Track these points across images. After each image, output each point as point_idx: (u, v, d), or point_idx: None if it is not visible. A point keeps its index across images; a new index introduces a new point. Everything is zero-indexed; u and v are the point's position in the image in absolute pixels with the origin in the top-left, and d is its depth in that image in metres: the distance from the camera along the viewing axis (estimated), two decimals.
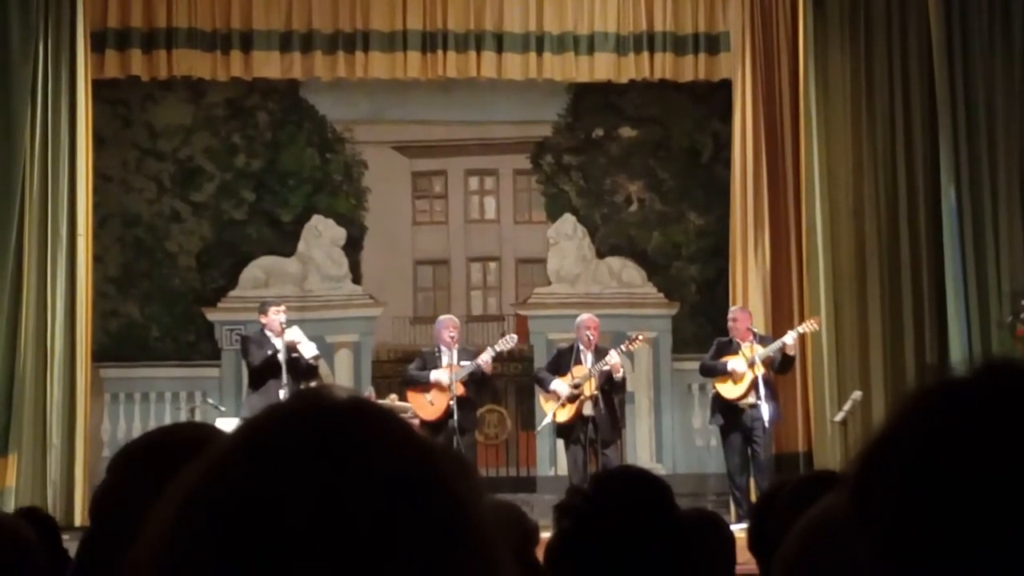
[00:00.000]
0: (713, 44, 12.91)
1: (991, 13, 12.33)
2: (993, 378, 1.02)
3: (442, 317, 11.62)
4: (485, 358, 11.09)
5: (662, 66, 12.82)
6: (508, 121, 13.55)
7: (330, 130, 13.46)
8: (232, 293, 13.18)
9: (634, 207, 13.65)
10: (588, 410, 11.02)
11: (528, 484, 13.05)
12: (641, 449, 13.21)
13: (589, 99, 13.49)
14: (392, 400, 11.05)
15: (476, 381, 11.22)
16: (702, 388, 12.72)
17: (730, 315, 11.58)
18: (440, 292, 13.60)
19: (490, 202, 13.83)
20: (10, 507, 9.79)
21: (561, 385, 11.14)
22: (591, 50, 12.75)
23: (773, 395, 11.20)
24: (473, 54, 12.65)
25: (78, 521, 11.30)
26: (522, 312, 13.57)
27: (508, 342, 11.49)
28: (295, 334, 10.82)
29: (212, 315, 13.16)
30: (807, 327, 11.61)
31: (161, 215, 13.16)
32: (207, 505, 0.92)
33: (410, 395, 11.22)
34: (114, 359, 12.87)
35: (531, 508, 8.37)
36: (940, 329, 12.26)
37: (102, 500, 1.80)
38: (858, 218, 12.47)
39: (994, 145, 12.24)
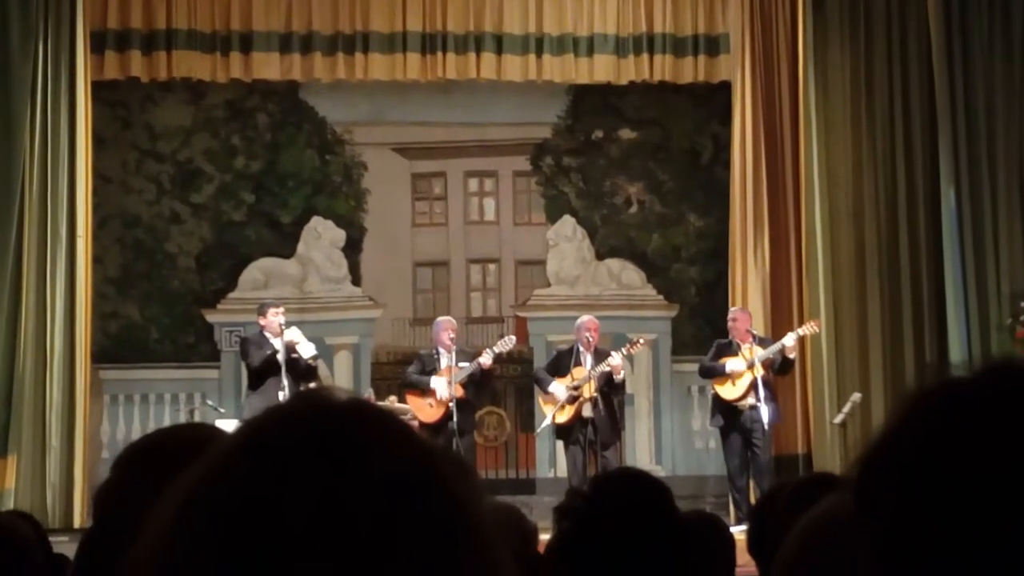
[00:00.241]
0: (713, 46, 12.91)
1: (991, 14, 12.33)
2: (993, 379, 1.02)
3: (440, 319, 11.62)
4: (485, 360, 11.09)
5: (662, 68, 12.83)
6: (508, 123, 13.56)
7: (330, 132, 13.46)
8: (231, 295, 13.18)
9: (634, 209, 13.65)
10: (588, 412, 11.02)
11: (527, 486, 13.05)
12: (640, 451, 13.21)
13: (589, 101, 13.50)
14: (391, 402, 11.06)
15: (475, 382, 11.22)
16: (701, 390, 12.72)
17: (730, 316, 11.59)
18: (440, 294, 13.60)
19: (490, 204, 13.84)
20: (9, 509, 9.78)
21: (559, 388, 11.14)
22: (591, 52, 12.75)
23: (773, 396, 11.20)
24: (473, 56, 12.65)
25: (77, 522, 11.31)
26: (521, 314, 13.58)
27: (507, 344, 11.49)
28: (294, 335, 10.83)
29: (211, 317, 13.17)
30: (807, 329, 11.62)
31: (161, 216, 13.16)
32: (207, 505, 0.92)
33: (409, 397, 11.22)
34: (113, 360, 12.87)
35: (530, 510, 8.36)
36: (940, 331, 12.26)
37: (104, 499, 1.80)
38: (858, 220, 12.47)
39: (994, 147, 12.24)
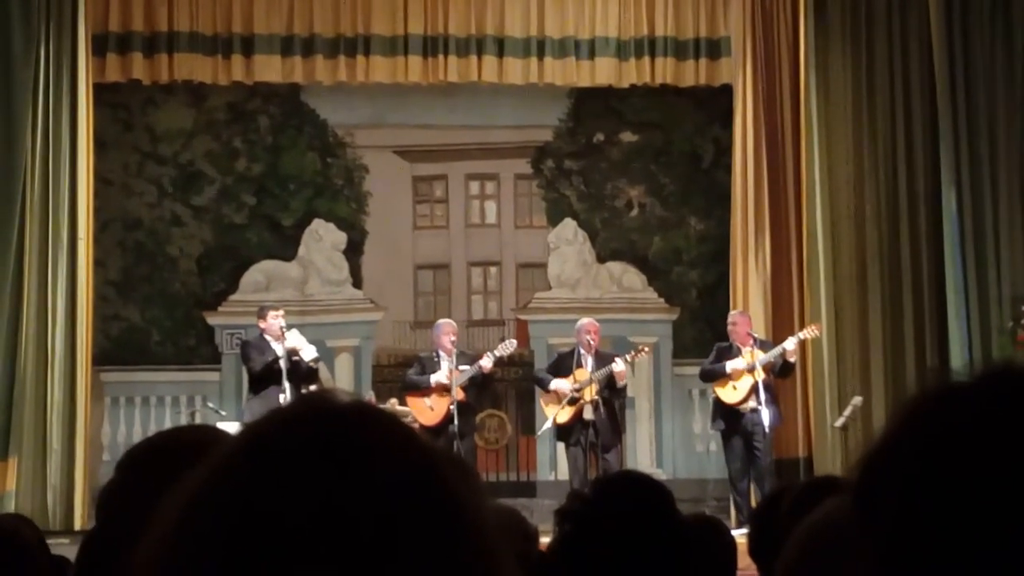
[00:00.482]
0: (714, 49, 12.92)
1: (992, 17, 12.33)
2: (994, 382, 1.02)
3: (441, 321, 11.62)
4: (485, 363, 11.09)
5: (663, 71, 12.83)
6: (509, 125, 13.56)
7: (331, 134, 13.46)
8: (233, 297, 13.18)
9: (635, 212, 13.65)
10: (588, 414, 11.01)
11: (528, 489, 13.04)
12: (641, 454, 13.21)
13: (590, 104, 13.49)
14: (392, 405, 11.05)
15: (476, 384, 11.22)
16: (702, 393, 12.72)
17: (729, 319, 11.58)
18: (441, 296, 13.60)
19: (491, 206, 13.84)
20: (9, 511, 9.78)
21: (562, 383, 11.14)
22: (592, 55, 12.76)
23: (774, 399, 11.20)
24: (474, 58, 12.66)
25: (78, 525, 11.31)
26: (522, 317, 13.57)
27: (508, 347, 11.49)
28: (295, 338, 10.82)
29: (213, 319, 13.16)
30: (808, 333, 11.61)
31: (162, 219, 13.16)
32: (210, 508, 0.92)
33: (410, 400, 11.21)
34: (114, 363, 12.86)
35: (531, 513, 8.36)
36: (941, 334, 12.26)
37: (107, 501, 1.80)
38: (859, 223, 12.47)
39: (995, 150, 12.24)
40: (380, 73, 12.61)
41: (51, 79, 11.79)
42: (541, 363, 12.64)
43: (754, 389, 11.01)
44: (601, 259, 13.61)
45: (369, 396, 11.38)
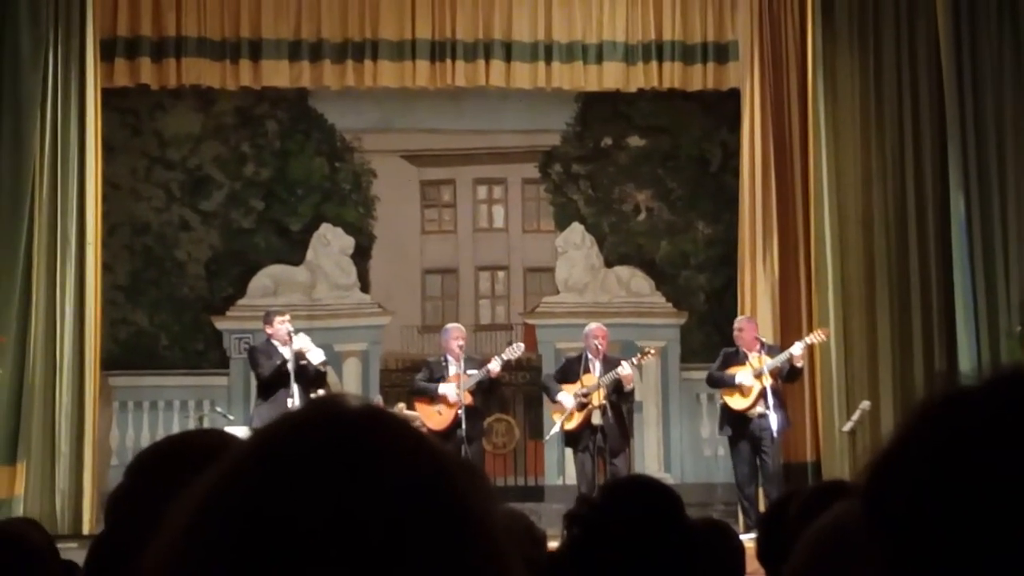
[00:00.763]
0: (722, 53, 12.92)
1: (1000, 21, 12.32)
2: (1002, 386, 1.02)
3: (449, 325, 11.62)
4: (493, 367, 11.09)
5: (671, 75, 12.84)
6: (517, 130, 13.56)
7: (339, 139, 13.47)
8: (241, 302, 13.19)
9: (642, 216, 13.64)
10: (597, 419, 11.01)
11: (536, 493, 13.04)
12: (649, 459, 13.20)
13: (598, 108, 13.50)
14: (400, 409, 11.05)
15: (484, 389, 11.21)
16: (710, 398, 12.70)
17: (736, 325, 11.57)
18: (448, 301, 13.60)
19: (498, 211, 13.84)
20: (18, 516, 9.79)
21: (567, 397, 11.13)
22: (600, 59, 12.76)
23: (781, 404, 11.19)
24: (482, 63, 12.67)
25: (86, 529, 11.32)
26: (530, 321, 13.57)
27: (515, 351, 11.49)
28: (303, 342, 10.82)
29: (221, 324, 13.18)
30: (815, 338, 11.59)
31: (170, 224, 13.18)
32: (220, 512, 0.92)
33: (418, 404, 11.21)
34: (123, 367, 12.87)
35: (539, 517, 8.36)
36: (949, 339, 12.24)
37: (116, 505, 1.80)
38: (867, 227, 12.45)
39: (1003, 154, 12.22)
40: (388, 78, 12.62)
41: (59, 84, 11.80)
42: (549, 368, 12.64)
43: (762, 394, 11.00)
44: (609, 263, 13.61)
45: (377, 400, 11.38)
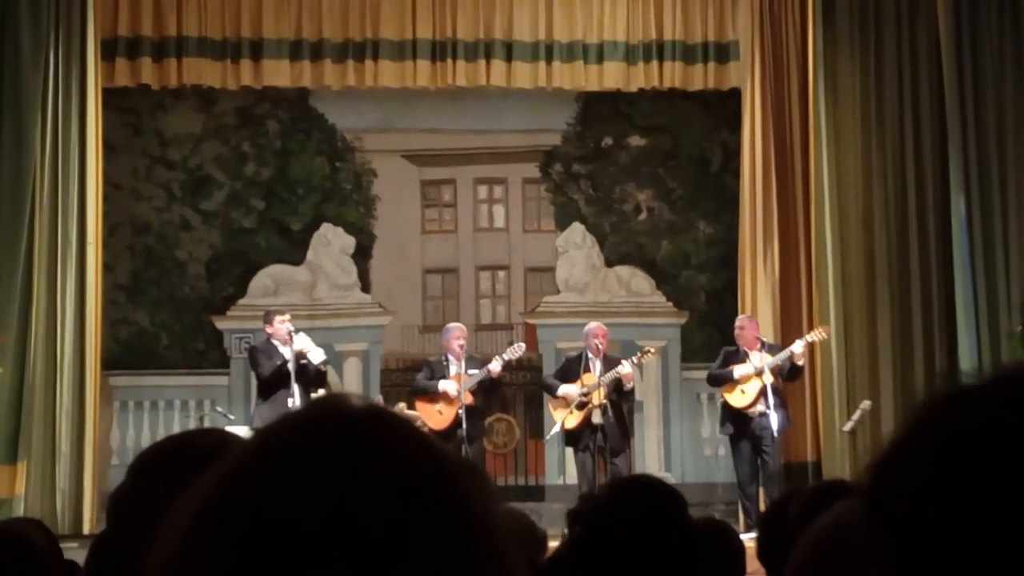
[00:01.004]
0: (723, 53, 12.92)
1: (1001, 23, 12.32)
2: (1003, 386, 1.02)
3: (450, 325, 11.62)
4: (494, 367, 11.09)
5: (671, 75, 12.84)
6: (517, 130, 13.56)
7: (339, 139, 13.48)
8: (241, 301, 13.19)
9: (643, 216, 13.65)
10: (597, 418, 11.01)
11: (537, 493, 13.04)
12: (650, 458, 13.20)
13: (598, 108, 13.50)
14: (401, 409, 11.04)
15: (485, 389, 11.21)
16: (711, 397, 12.70)
17: (737, 323, 11.57)
18: (449, 301, 13.60)
19: (499, 211, 13.84)
20: (19, 515, 9.79)
21: (570, 388, 11.13)
22: (600, 59, 12.77)
23: (782, 403, 11.19)
24: (483, 63, 12.67)
25: (87, 528, 11.32)
26: (531, 321, 13.57)
27: (516, 351, 11.49)
28: (303, 341, 10.82)
29: (221, 323, 13.18)
30: (816, 336, 11.60)
31: (171, 223, 13.18)
32: (222, 512, 0.92)
33: (419, 404, 11.21)
34: (123, 367, 12.87)
35: (539, 517, 8.36)
36: (950, 338, 12.24)
37: (118, 504, 1.81)
38: (867, 227, 12.45)
39: (1004, 154, 12.22)
40: (389, 77, 12.63)
41: (60, 83, 11.81)
42: (549, 367, 12.65)
43: (762, 393, 11.00)
44: (609, 263, 13.61)
45: (377, 400, 11.38)
